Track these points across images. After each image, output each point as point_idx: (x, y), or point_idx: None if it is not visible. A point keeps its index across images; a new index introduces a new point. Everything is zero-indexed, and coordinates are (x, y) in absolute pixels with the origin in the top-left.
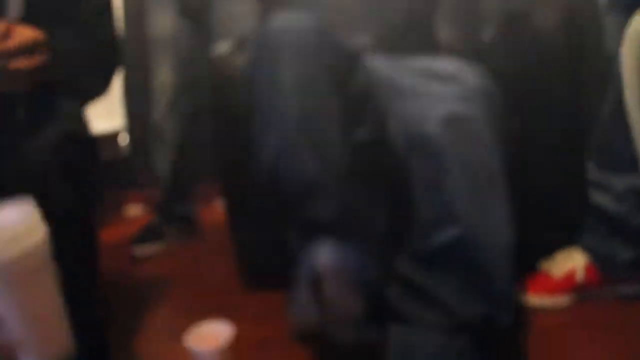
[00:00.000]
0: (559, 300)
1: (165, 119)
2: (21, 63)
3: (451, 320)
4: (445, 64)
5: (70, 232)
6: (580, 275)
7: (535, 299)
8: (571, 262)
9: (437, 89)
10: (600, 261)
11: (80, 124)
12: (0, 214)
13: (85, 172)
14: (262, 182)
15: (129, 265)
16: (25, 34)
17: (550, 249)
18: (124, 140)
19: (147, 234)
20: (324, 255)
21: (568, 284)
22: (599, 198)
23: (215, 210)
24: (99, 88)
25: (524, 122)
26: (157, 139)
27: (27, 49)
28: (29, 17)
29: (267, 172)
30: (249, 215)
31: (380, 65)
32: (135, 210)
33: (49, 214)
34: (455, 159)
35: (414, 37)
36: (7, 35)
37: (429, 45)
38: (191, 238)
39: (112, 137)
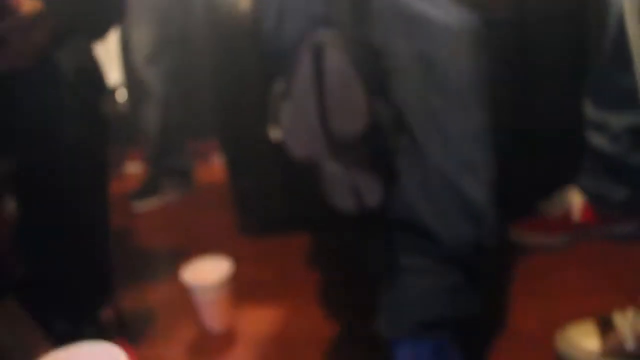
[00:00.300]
0: (556, 239)
1: (146, 75)
2: (23, 39)
3: (439, 250)
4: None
5: (86, 168)
6: (576, 215)
7: (532, 238)
8: (568, 202)
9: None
10: (596, 201)
11: (91, 59)
12: (90, 355)
13: (99, 108)
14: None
15: (128, 220)
16: (25, 6)
17: (547, 190)
18: (122, 96)
19: (145, 189)
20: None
21: (564, 224)
22: (596, 138)
23: (212, 167)
24: (103, 27)
25: (522, 61)
26: (142, 93)
27: (28, 24)
28: None
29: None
30: (249, 162)
31: None
32: (135, 168)
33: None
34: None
35: None
36: (5, 9)
37: None
38: (188, 192)
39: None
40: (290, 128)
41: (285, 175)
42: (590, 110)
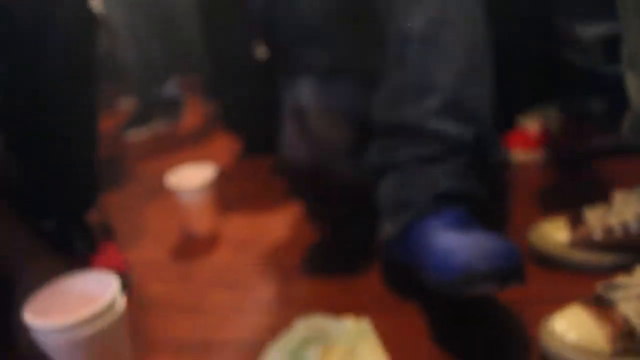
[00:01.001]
0: (535, 155)
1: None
2: None
3: (446, 144)
4: None
5: (74, 68)
6: (555, 130)
7: (512, 154)
8: (546, 117)
9: None
10: (574, 115)
11: None
12: (83, 285)
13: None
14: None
15: (120, 151)
16: None
17: (526, 105)
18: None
19: (135, 119)
20: (307, 89)
21: (543, 139)
22: (568, 52)
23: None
24: None
25: None
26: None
27: None
28: None
29: (262, 19)
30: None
31: None
32: (126, 104)
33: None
34: None
35: None
36: None
37: None
38: (177, 122)
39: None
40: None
41: (269, 92)
42: (561, 24)
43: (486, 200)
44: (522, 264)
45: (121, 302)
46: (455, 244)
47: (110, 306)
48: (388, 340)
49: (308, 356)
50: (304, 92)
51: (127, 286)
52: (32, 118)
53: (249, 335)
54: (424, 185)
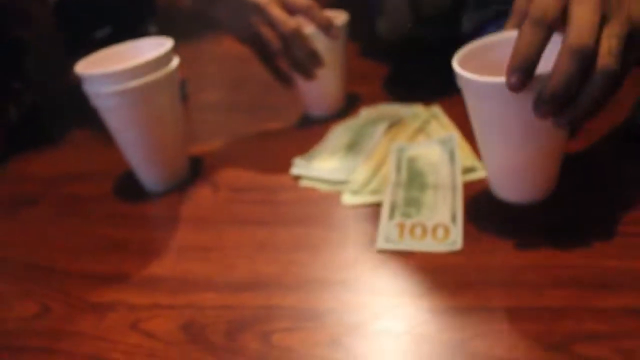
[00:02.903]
0: None
1: None
2: None
3: None
4: None
5: None
6: None
7: None
8: None
9: None
10: None
11: None
12: (138, 47)
13: None
14: None
15: None
16: None
17: None
18: None
19: None
20: None
21: None
22: None
23: None
24: None
25: None
26: None
27: None
28: None
29: None
30: None
31: None
32: None
33: None
34: None
35: None
36: None
37: None
38: None
39: None
40: None
41: None
42: None
43: None
44: None
45: (175, 62)
46: None
47: (162, 61)
48: (461, 124)
49: (374, 131)
50: None
51: (184, 94)
52: None
53: None
54: None
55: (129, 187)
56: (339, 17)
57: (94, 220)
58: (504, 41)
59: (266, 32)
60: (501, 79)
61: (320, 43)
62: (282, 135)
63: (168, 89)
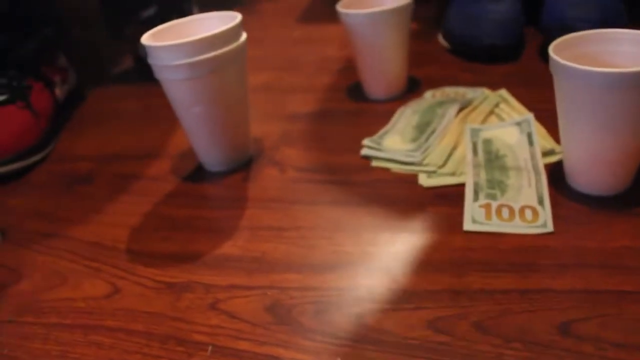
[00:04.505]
0: None
1: None
2: None
3: None
4: None
5: None
6: None
7: None
8: None
9: None
10: None
11: None
12: (205, 20)
13: None
14: None
15: None
16: None
17: None
18: None
19: None
20: None
21: None
22: None
23: None
24: None
25: None
26: None
27: None
28: None
29: None
30: None
31: None
32: None
33: None
34: None
35: None
36: None
37: None
38: None
39: None
40: None
41: None
42: None
43: None
44: None
45: (244, 36)
46: None
47: (233, 34)
48: (529, 108)
49: (445, 112)
50: None
51: None
52: None
53: None
54: None
55: (185, 166)
56: None
57: (154, 200)
58: (594, 35)
59: None
60: (611, 70)
61: (385, 23)
62: (342, 116)
63: (238, 63)
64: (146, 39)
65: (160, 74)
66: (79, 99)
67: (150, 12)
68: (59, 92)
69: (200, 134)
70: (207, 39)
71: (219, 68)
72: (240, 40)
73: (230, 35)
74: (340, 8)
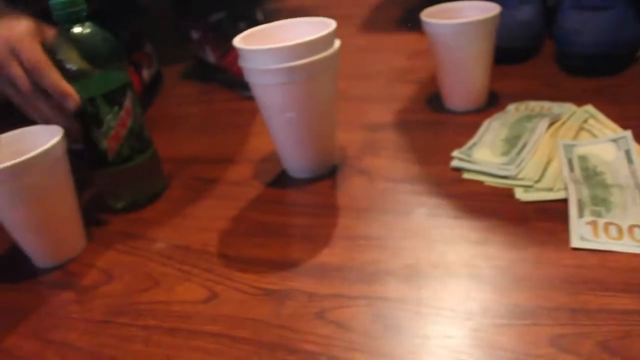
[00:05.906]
0: None
1: None
2: None
3: None
4: None
5: None
6: None
7: None
8: None
9: None
10: None
11: None
12: (300, 25)
13: None
14: None
15: None
16: None
17: None
18: None
19: None
20: None
21: None
22: None
23: None
24: None
25: None
26: None
27: None
28: None
29: None
30: None
31: None
32: None
33: None
34: None
35: None
36: None
37: None
38: None
39: None
40: None
41: None
42: None
43: None
44: None
45: (337, 43)
46: None
47: (328, 41)
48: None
49: (535, 127)
50: None
51: None
52: None
53: None
54: None
55: (267, 172)
56: (491, 10)
57: (239, 205)
58: None
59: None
60: None
61: (472, 34)
62: (423, 127)
63: (331, 70)
64: (239, 42)
65: (256, 78)
66: (160, 83)
67: (218, 16)
68: (145, 74)
69: (289, 139)
70: (306, 44)
71: (315, 74)
72: (335, 46)
73: (326, 41)
74: (424, 17)
